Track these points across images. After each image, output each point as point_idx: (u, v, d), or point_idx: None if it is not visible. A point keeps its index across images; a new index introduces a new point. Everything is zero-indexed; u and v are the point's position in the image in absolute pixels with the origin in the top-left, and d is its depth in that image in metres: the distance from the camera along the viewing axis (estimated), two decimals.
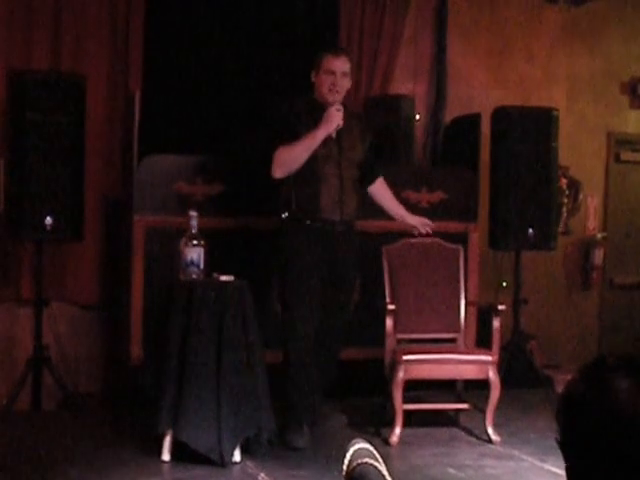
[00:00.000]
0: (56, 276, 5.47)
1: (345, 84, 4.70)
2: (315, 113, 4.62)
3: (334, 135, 4.61)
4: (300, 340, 4.57)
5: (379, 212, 5.05)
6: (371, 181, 4.92)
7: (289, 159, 4.56)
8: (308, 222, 4.61)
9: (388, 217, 5.06)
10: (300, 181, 4.60)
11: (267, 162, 4.59)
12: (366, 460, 2.35)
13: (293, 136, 4.56)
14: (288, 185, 4.63)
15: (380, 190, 4.97)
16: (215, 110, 5.78)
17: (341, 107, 4.59)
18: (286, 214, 4.65)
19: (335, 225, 4.65)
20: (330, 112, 4.56)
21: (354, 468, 2.35)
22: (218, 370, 4.15)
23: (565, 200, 6.81)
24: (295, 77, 5.76)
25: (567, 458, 1.45)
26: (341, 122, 4.59)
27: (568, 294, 6.94)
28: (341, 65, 4.66)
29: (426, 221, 4.94)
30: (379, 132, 5.38)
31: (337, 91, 4.64)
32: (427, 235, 4.96)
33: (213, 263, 4.50)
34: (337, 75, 4.63)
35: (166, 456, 4.23)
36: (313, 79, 4.70)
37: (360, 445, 2.42)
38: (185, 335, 4.16)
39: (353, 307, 4.89)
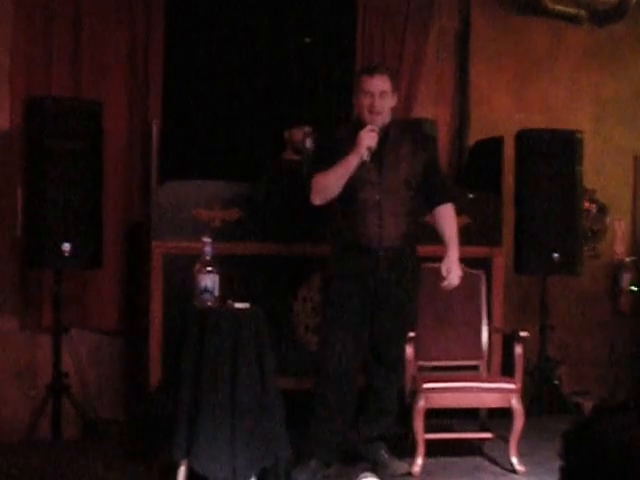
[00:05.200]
0: (76, 303, 5.46)
1: (386, 103, 4.38)
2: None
3: (367, 158, 4.29)
4: (328, 377, 4.44)
5: None
6: (432, 207, 4.54)
7: (324, 186, 4.36)
8: (346, 252, 4.43)
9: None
10: (341, 208, 4.42)
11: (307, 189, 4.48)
12: None
13: (330, 163, 4.35)
14: (332, 213, 4.47)
15: (441, 219, 4.52)
16: (233, 137, 5.77)
17: (375, 128, 4.31)
18: (332, 243, 4.55)
19: (377, 253, 4.40)
20: (360, 135, 4.27)
21: None
22: (232, 399, 4.09)
23: (592, 224, 6.70)
24: (313, 104, 5.75)
25: None
26: (373, 144, 4.28)
27: (597, 319, 6.81)
28: (378, 84, 4.37)
29: (455, 278, 4.45)
30: None
31: (377, 112, 4.36)
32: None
33: (231, 290, 4.46)
34: (375, 95, 4.36)
35: None
36: (354, 101, 4.50)
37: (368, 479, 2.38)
38: (199, 363, 4.11)
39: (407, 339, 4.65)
